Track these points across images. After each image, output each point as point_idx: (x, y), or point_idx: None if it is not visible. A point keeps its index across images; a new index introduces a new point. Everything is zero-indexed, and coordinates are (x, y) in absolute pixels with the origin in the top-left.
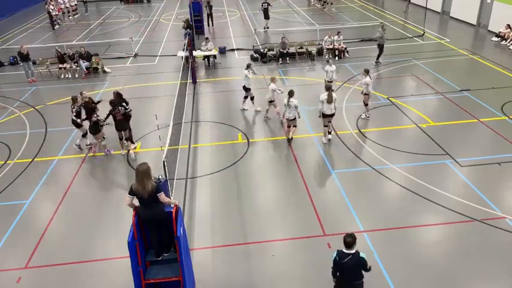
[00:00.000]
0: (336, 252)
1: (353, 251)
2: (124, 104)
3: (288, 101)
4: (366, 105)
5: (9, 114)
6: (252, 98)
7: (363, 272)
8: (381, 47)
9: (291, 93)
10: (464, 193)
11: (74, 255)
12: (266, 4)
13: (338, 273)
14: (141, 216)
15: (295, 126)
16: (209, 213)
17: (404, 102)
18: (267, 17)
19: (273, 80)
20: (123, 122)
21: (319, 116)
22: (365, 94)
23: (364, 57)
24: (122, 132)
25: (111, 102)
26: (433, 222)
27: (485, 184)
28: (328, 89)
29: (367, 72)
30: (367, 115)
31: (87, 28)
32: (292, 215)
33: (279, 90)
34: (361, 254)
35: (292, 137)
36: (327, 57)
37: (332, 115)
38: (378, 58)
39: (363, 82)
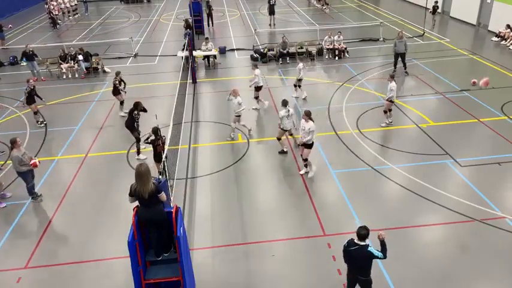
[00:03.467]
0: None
1: (362, 243)
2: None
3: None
4: (386, 112)
5: (9, 114)
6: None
7: (378, 255)
8: (394, 56)
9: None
10: (464, 193)
11: (74, 255)
12: (273, 0)
13: (347, 262)
14: (141, 216)
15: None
16: (209, 213)
17: (404, 102)
18: (272, 12)
19: None
20: (161, 152)
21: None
22: (389, 101)
23: (364, 57)
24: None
25: (154, 133)
26: (433, 222)
27: (485, 184)
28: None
29: (392, 77)
30: (390, 121)
31: (87, 28)
32: (292, 215)
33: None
34: (370, 248)
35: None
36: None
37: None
38: (394, 66)
39: (389, 88)
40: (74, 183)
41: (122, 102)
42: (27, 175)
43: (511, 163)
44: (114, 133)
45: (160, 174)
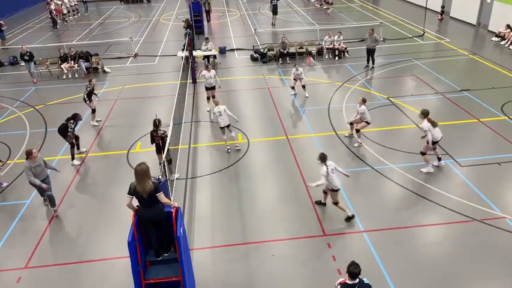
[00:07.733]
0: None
1: (357, 281)
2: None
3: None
4: (358, 131)
5: (9, 114)
6: None
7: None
8: (366, 51)
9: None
10: (464, 193)
11: (74, 255)
12: (276, 0)
13: None
14: (141, 216)
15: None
16: (209, 213)
17: (404, 102)
18: (275, 12)
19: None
20: (160, 146)
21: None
22: (365, 122)
23: (364, 57)
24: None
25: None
26: (433, 222)
27: (485, 184)
28: (426, 114)
29: (363, 101)
30: (360, 142)
31: (87, 28)
32: (292, 215)
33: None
34: (366, 281)
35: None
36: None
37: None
38: (367, 61)
39: (359, 112)
40: (73, 183)
41: (93, 111)
42: (38, 188)
43: (511, 163)
44: (114, 133)
45: (161, 167)
